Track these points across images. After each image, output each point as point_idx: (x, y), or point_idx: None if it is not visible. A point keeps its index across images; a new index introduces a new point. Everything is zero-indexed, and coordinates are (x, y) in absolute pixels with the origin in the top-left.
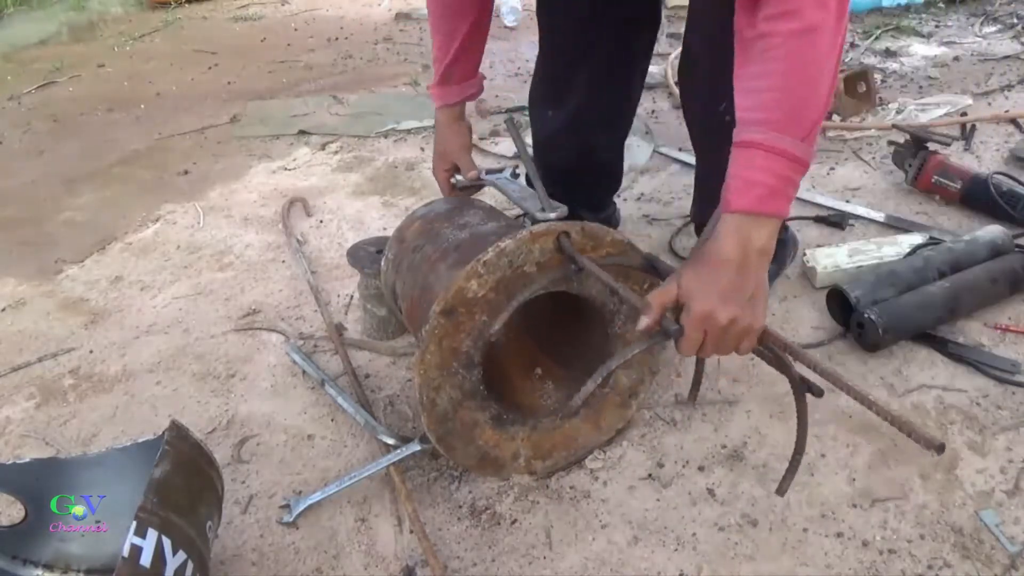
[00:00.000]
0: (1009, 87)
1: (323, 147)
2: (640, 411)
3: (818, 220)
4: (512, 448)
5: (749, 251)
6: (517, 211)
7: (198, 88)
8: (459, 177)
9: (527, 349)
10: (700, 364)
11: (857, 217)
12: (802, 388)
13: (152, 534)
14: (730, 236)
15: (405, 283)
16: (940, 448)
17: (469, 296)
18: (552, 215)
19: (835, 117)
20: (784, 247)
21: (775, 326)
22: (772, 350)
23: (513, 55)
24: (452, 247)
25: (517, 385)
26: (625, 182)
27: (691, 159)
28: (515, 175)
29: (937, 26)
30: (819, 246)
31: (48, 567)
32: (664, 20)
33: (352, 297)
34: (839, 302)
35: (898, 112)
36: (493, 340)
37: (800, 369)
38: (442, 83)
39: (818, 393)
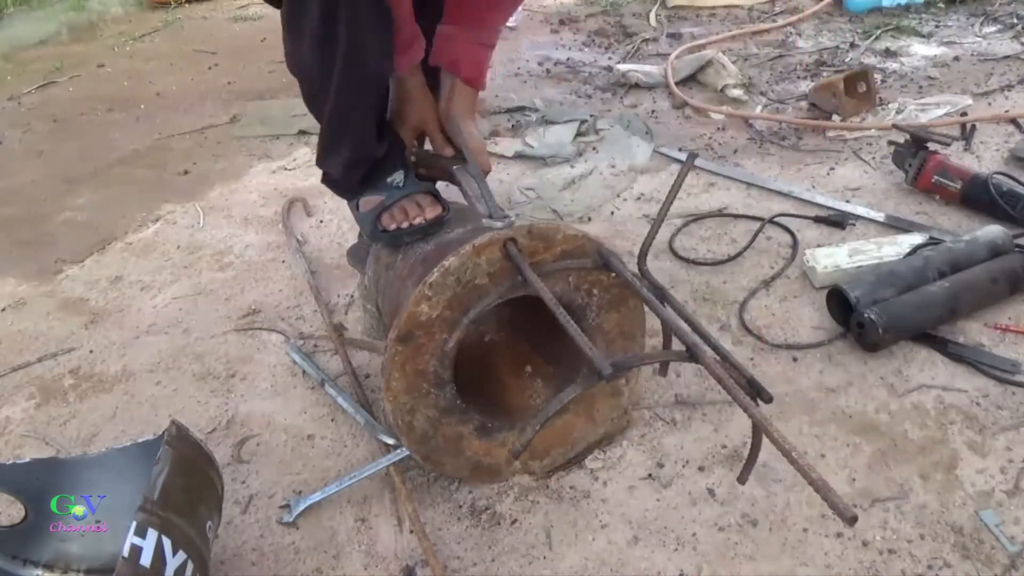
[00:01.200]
0: (1009, 87)
1: None
2: (640, 410)
3: (818, 220)
4: (504, 453)
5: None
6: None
7: (198, 88)
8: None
9: (518, 347)
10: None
11: (857, 217)
12: (751, 394)
13: (152, 534)
14: (471, 100)
15: (385, 302)
16: (852, 520)
17: (423, 319)
18: (498, 223)
19: (835, 117)
20: None
21: (775, 327)
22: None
23: (513, 55)
24: (419, 260)
25: (508, 384)
26: (625, 182)
27: None
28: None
29: (937, 26)
30: (819, 246)
31: (48, 567)
32: (664, 20)
33: (352, 297)
34: (839, 302)
35: (898, 112)
36: (487, 340)
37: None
38: (404, 50)
39: (767, 399)
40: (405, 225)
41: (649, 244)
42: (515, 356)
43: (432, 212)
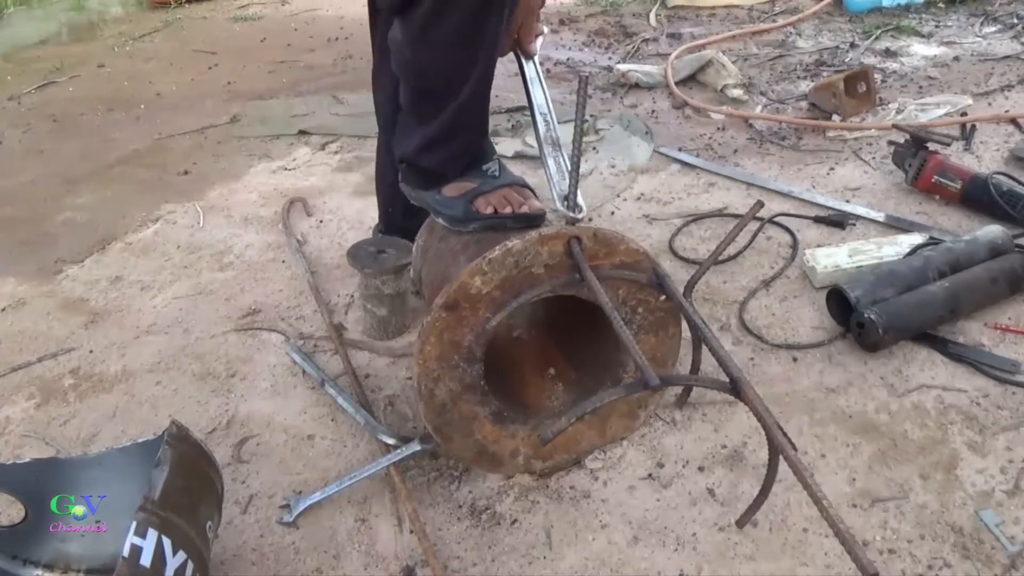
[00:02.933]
0: (1009, 87)
1: (323, 147)
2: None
3: (818, 220)
4: (511, 446)
5: None
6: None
7: (198, 88)
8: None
9: (546, 347)
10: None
11: (857, 217)
12: (778, 446)
13: (152, 534)
14: None
15: (430, 271)
16: None
17: (473, 292)
18: (571, 214)
19: (835, 117)
20: None
21: (775, 327)
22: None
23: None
24: (474, 240)
25: (529, 382)
26: (625, 182)
27: (691, 159)
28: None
29: (937, 26)
30: (819, 246)
31: (48, 567)
32: (664, 20)
33: (352, 297)
34: (839, 302)
35: (898, 112)
36: (516, 335)
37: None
38: None
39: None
40: (508, 211)
41: (697, 279)
42: (541, 356)
43: (536, 204)
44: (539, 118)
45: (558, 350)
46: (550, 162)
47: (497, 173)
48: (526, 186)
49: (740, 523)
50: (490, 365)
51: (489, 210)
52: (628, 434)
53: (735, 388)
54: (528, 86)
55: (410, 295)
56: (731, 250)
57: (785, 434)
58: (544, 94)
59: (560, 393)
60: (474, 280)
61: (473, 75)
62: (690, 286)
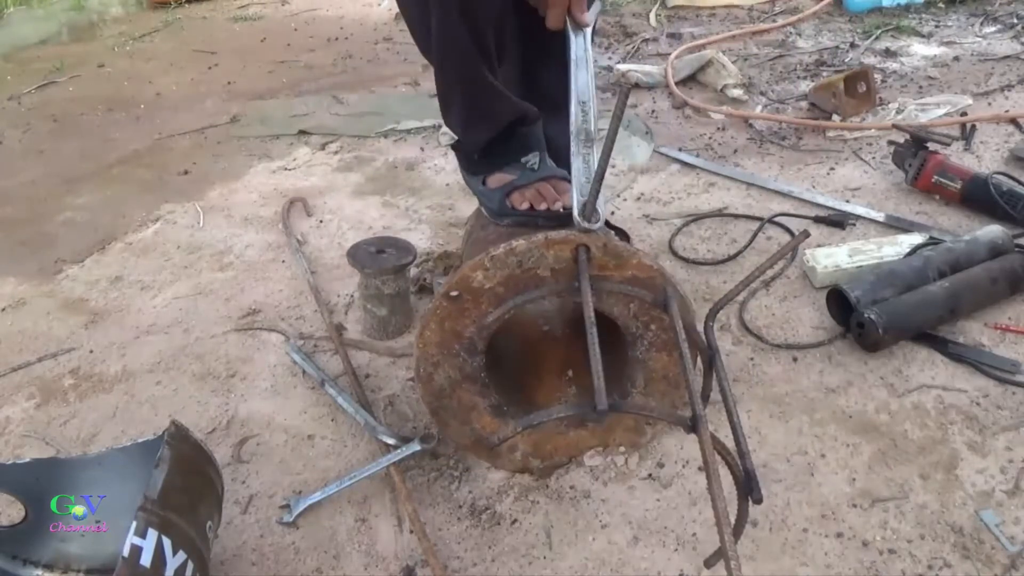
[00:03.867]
0: (1009, 87)
1: (323, 147)
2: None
3: (818, 220)
4: (511, 440)
5: None
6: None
7: (198, 88)
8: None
9: (572, 348)
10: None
11: (857, 217)
12: (745, 488)
13: (152, 534)
14: None
15: (468, 257)
16: None
17: (475, 286)
18: (586, 224)
19: (835, 117)
20: None
21: (775, 327)
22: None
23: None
24: (507, 233)
25: (544, 380)
26: (625, 182)
27: (691, 159)
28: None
29: (937, 26)
30: (819, 246)
31: (48, 567)
32: (664, 20)
33: (352, 297)
34: (839, 302)
35: (898, 112)
36: (546, 330)
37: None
38: None
39: (757, 499)
40: (542, 207)
41: (723, 304)
42: (565, 356)
43: (570, 200)
44: (575, 106)
45: (582, 353)
46: (578, 160)
47: (536, 166)
48: (566, 179)
49: (708, 564)
50: (512, 353)
51: (524, 205)
52: (634, 449)
53: (693, 426)
54: (571, 65)
55: (410, 295)
56: (731, 250)
57: (754, 483)
58: (589, 78)
59: (570, 397)
60: (475, 274)
61: (434, 37)
62: (713, 311)
